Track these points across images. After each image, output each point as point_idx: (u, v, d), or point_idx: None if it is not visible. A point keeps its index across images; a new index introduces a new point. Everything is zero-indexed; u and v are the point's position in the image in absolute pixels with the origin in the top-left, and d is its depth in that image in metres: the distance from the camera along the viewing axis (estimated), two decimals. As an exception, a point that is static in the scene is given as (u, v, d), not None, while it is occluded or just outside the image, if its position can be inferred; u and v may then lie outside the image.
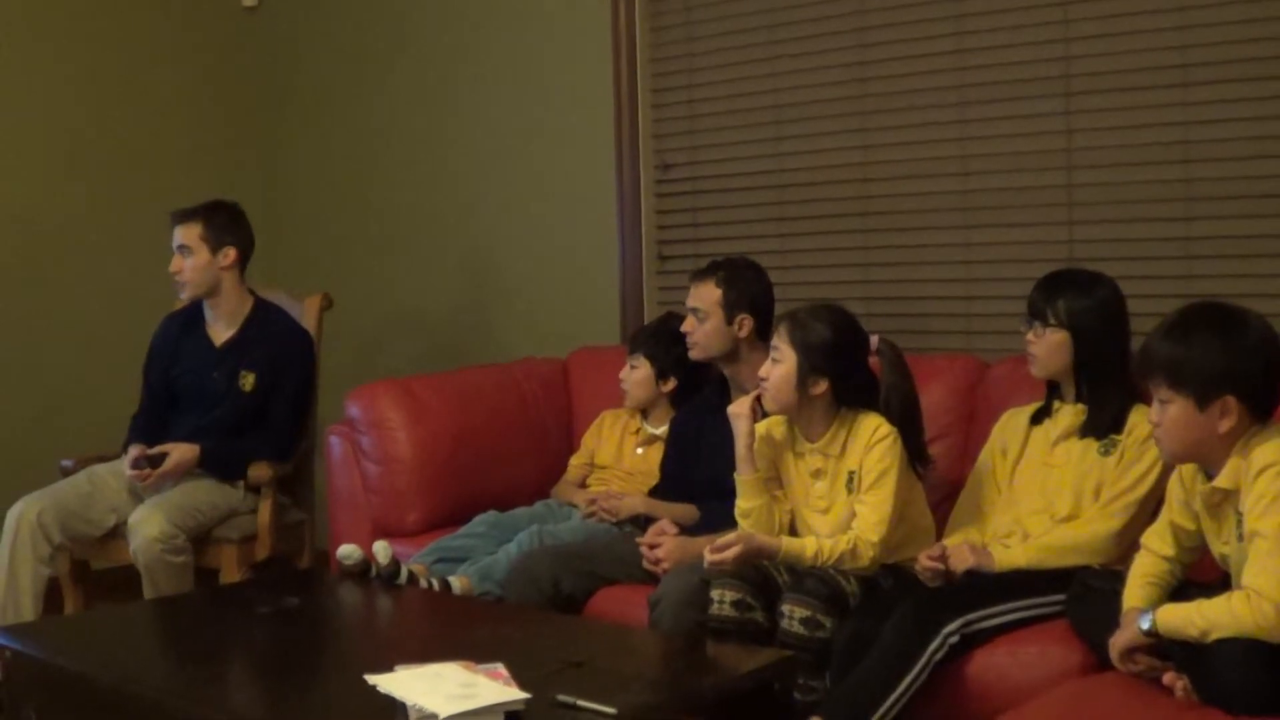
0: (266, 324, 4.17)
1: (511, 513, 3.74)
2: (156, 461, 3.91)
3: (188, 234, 4.07)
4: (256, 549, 4.05)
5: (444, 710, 2.26)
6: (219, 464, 4.01)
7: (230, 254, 4.09)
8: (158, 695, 2.64)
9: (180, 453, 3.94)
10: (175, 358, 4.20)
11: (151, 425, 4.14)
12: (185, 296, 4.15)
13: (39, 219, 4.88)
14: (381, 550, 3.34)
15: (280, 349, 4.13)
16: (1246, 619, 2.30)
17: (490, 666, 2.48)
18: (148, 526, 3.76)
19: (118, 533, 3.96)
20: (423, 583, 3.37)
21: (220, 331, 4.17)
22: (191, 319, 4.22)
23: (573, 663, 2.59)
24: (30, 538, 3.83)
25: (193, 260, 4.06)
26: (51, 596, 3.94)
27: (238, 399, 4.09)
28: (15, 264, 4.84)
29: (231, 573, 3.99)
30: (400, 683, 2.40)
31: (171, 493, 3.91)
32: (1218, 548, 2.54)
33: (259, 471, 4.01)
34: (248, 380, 4.09)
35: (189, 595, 3.72)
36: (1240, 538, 2.43)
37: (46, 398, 4.85)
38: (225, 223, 4.10)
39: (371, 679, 2.43)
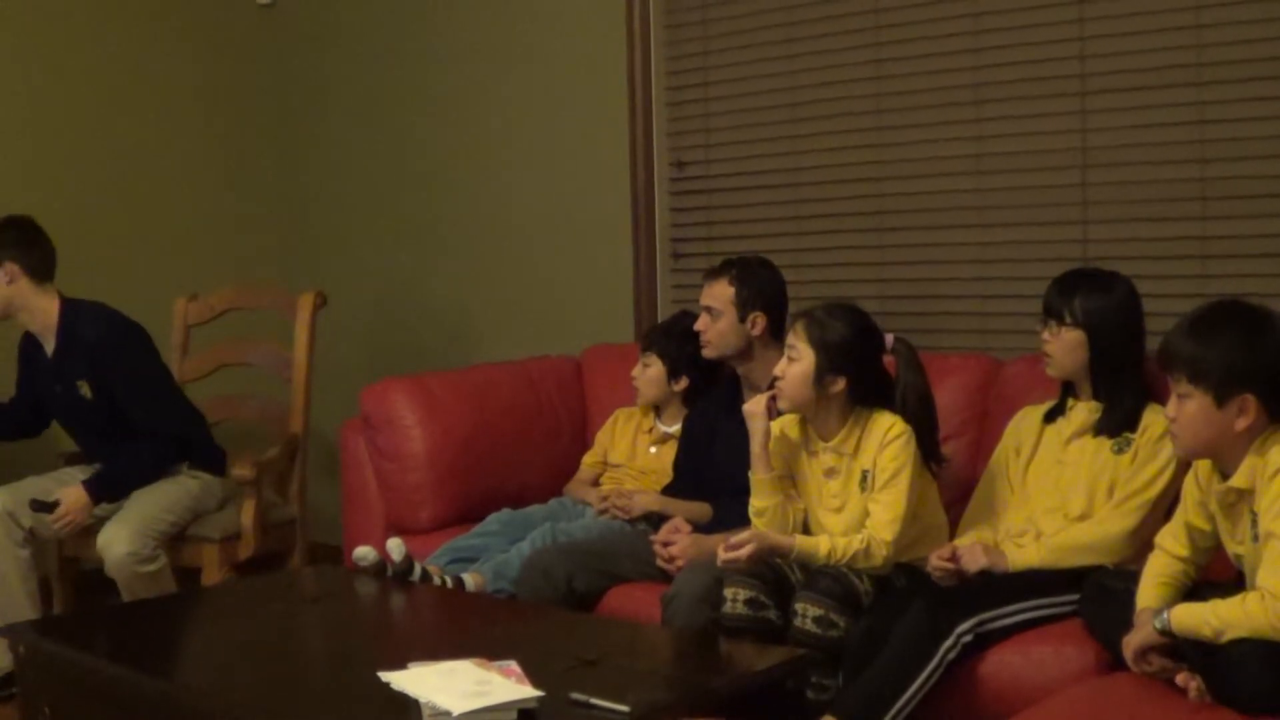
0: (76, 327, 3.98)
1: (525, 511, 3.75)
2: (49, 508, 3.85)
3: None
4: (240, 548, 4.04)
5: (458, 708, 2.26)
6: (109, 492, 3.91)
7: (11, 270, 3.95)
8: (172, 691, 2.64)
9: (69, 501, 3.85)
10: (32, 374, 4.11)
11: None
12: None
13: (49, 217, 4.84)
14: (395, 548, 3.34)
15: (97, 349, 3.95)
16: (1261, 619, 2.30)
17: (504, 664, 2.48)
18: (117, 545, 3.76)
19: (92, 531, 3.89)
20: (436, 580, 3.38)
21: (48, 345, 4.03)
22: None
23: (586, 660, 2.59)
24: (3, 524, 3.83)
25: None
26: (40, 593, 3.94)
27: (86, 409, 3.99)
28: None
29: (213, 573, 3.98)
30: (414, 680, 2.41)
31: (132, 506, 3.87)
32: (1232, 547, 2.54)
33: (241, 470, 3.98)
34: (85, 388, 3.96)
35: (206, 591, 3.73)
36: (1255, 538, 2.42)
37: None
38: (3, 242, 3.96)
39: (386, 676, 2.44)
